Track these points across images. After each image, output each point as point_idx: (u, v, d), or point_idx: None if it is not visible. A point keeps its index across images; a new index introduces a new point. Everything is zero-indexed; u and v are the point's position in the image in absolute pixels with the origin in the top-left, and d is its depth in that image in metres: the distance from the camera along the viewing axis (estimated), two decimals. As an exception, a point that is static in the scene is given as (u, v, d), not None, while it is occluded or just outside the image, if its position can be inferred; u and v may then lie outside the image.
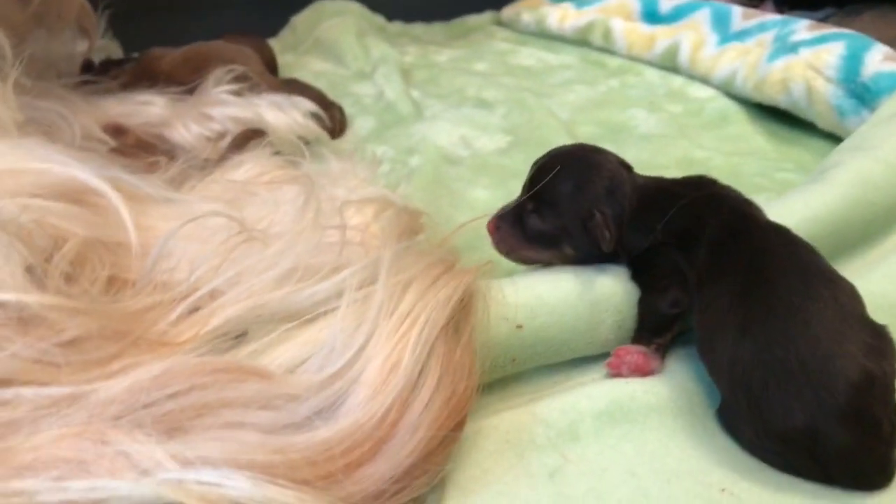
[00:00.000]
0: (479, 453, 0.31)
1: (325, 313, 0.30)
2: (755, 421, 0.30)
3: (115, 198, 0.34)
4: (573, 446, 0.31)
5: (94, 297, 0.29)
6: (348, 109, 0.73)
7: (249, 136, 0.59)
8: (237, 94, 0.63)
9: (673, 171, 0.64)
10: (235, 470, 0.23)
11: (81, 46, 0.74)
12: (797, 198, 0.44)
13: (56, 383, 0.26)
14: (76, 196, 0.35)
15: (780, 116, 0.71)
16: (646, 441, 0.32)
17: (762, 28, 0.79)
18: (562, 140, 0.67)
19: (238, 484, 0.22)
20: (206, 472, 0.23)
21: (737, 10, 0.84)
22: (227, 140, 0.60)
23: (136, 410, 0.25)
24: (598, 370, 0.37)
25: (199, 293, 0.30)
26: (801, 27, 0.74)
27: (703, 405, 0.34)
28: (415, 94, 0.78)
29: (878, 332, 0.31)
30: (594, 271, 0.38)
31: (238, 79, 0.63)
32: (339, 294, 0.30)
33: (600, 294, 0.37)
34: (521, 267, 0.41)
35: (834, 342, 0.29)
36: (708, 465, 0.31)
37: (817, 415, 0.28)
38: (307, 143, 0.64)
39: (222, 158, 0.56)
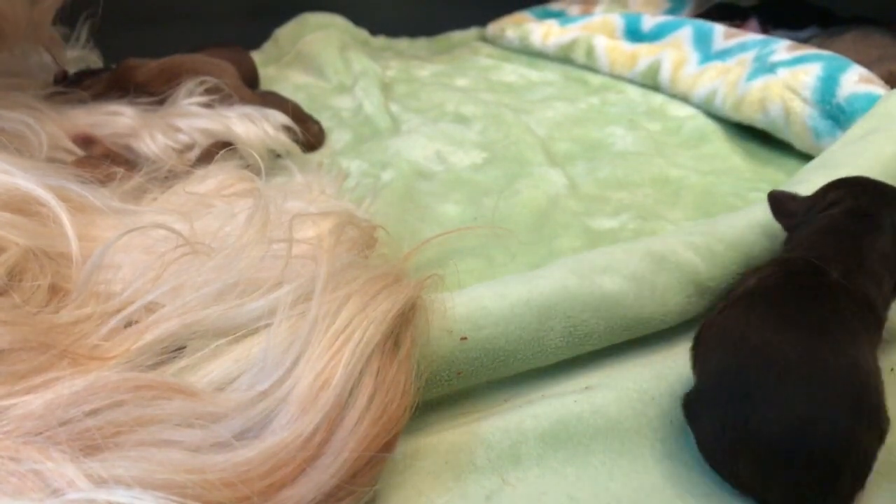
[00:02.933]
0: (416, 474, 0.30)
1: (260, 329, 0.29)
2: (734, 413, 0.28)
3: (57, 207, 0.34)
4: (513, 469, 0.31)
5: (21, 308, 0.29)
6: (326, 123, 0.73)
7: (219, 148, 0.58)
8: (208, 106, 0.62)
9: (647, 189, 0.64)
10: (148, 490, 0.22)
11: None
12: (756, 211, 0.44)
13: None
14: (20, 205, 0.35)
15: (758, 136, 0.71)
16: (589, 465, 0.31)
17: (743, 48, 0.79)
18: (537, 157, 0.67)
19: None
20: (118, 491, 0.22)
21: (718, 29, 0.84)
22: (196, 152, 0.59)
23: (53, 427, 0.24)
24: (548, 386, 0.36)
25: (133, 306, 0.30)
26: (781, 47, 0.74)
27: (651, 427, 0.33)
28: (394, 108, 0.78)
29: None
30: (541, 278, 0.37)
31: (210, 91, 0.63)
32: (275, 310, 0.29)
33: (548, 301, 0.36)
34: (470, 280, 0.40)
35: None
36: (651, 491, 0.30)
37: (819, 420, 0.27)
38: (278, 155, 0.63)
39: (190, 170, 0.56)
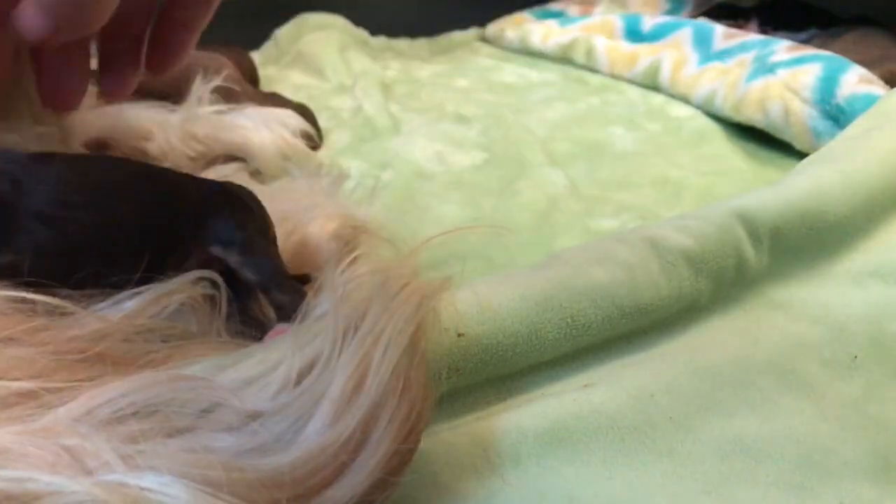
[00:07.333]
0: (415, 475, 0.30)
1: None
2: None
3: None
4: (513, 469, 0.31)
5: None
6: (325, 123, 0.73)
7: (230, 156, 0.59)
8: (224, 112, 0.62)
9: (647, 190, 0.64)
10: (180, 480, 0.22)
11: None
12: (750, 196, 0.44)
13: (32, 380, 0.26)
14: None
15: (758, 137, 0.71)
16: (589, 464, 0.31)
17: (743, 48, 0.79)
18: (537, 157, 0.67)
19: (175, 492, 0.22)
20: (149, 477, 0.22)
21: (718, 30, 0.84)
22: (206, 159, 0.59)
23: (99, 418, 0.24)
24: (547, 385, 0.36)
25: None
26: (781, 48, 0.74)
27: (650, 424, 0.33)
28: (394, 108, 0.78)
29: None
30: (536, 272, 0.37)
31: (220, 91, 0.63)
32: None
33: (544, 293, 0.36)
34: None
35: None
36: (651, 490, 0.30)
37: None
38: (286, 157, 0.63)
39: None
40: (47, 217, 0.30)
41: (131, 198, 0.32)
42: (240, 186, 0.38)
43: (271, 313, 0.36)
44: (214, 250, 0.34)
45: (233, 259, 0.34)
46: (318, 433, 0.26)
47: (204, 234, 0.34)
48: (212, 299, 0.34)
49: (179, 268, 0.33)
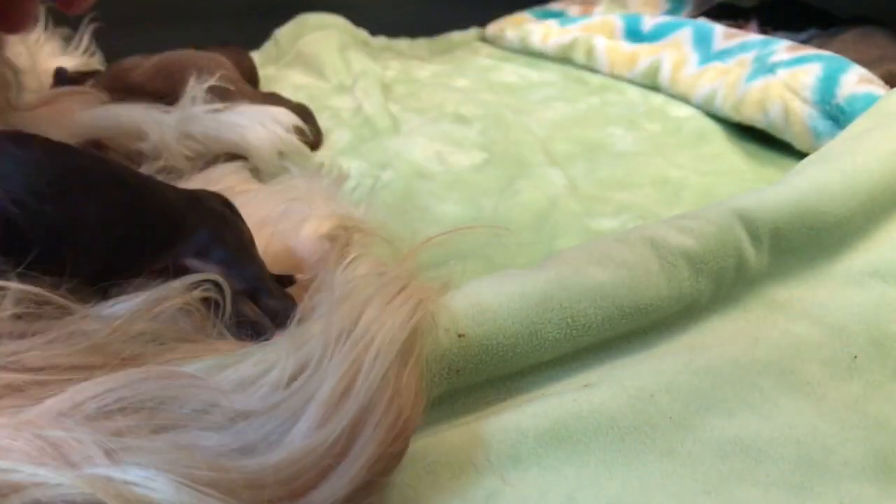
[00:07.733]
0: (415, 475, 0.30)
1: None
2: None
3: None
4: (513, 469, 0.31)
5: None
6: (325, 123, 0.73)
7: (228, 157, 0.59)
8: (219, 111, 0.62)
9: (647, 190, 0.64)
10: (163, 473, 0.22)
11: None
12: (750, 196, 0.44)
13: (20, 374, 0.26)
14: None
15: (758, 136, 0.71)
16: (588, 464, 0.31)
17: (743, 48, 0.79)
18: (536, 157, 0.67)
19: (160, 486, 0.22)
20: (133, 471, 0.22)
21: (718, 30, 0.84)
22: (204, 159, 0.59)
23: (84, 412, 0.24)
24: (547, 384, 0.36)
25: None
26: (781, 48, 0.74)
27: (650, 425, 0.33)
28: (394, 108, 0.78)
29: None
30: (536, 272, 0.37)
31: (214, 90, 0.63)
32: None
33: (543, 294, 0.36)
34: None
35: None
36: (651, 490, 0.30)
37: None
38: (283, 155, 0.63)
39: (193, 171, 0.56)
40: (20, 203, 0.30)
41: (98, 199, 0.32)
42: (215, 194, 0.38)
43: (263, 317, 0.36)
44: (190, 262, 0.34)
45: (212, 270, 0.34)
46: (304, 435, 0.26)
47: (180, 244, 0.34)
48: (207, 303, 0.34)
49: (158, 275, 0.33)
